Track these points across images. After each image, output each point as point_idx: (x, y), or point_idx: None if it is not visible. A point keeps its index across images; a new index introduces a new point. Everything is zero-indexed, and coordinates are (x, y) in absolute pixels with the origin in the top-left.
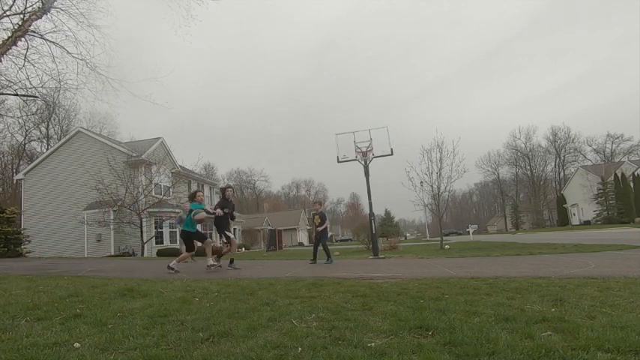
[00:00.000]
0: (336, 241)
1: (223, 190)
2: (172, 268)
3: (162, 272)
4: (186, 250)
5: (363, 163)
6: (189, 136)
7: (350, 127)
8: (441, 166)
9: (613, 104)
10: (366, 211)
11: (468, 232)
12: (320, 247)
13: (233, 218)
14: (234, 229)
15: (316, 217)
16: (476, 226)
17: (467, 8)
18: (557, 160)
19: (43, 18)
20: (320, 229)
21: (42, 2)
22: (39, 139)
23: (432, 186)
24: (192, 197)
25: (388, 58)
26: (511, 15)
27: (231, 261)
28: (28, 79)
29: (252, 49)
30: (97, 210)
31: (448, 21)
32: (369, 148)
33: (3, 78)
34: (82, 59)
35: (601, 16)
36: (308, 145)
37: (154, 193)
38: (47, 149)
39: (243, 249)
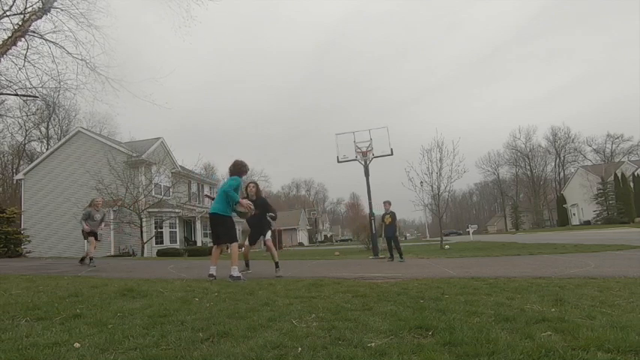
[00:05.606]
0: (336, 241)
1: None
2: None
3: (162, 272)
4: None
5: (363, 163)
6: (189, 136)
7: (349, 128)
8: (440, 166)
9: (613, 104)
10: (366, 211)
11: (468, 232)
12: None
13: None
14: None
15: (387, 216)
16: (476, 226)
17: (466, 11)
18: (557, 160)
19: (43, 18)
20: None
21: (42, 2)
22: (39, 139)
23: (432, 186)
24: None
25: (387, 59)
26: (510, 16)
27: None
28: (28, 79)
29: (252, 50)
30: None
31: (447, 23)
32: (369, 148)
33: (3, 78)
34: (81, 59)
35: (601, 16)
36: (308, 146)
37: (154, 193)
38: (47, 149)
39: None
